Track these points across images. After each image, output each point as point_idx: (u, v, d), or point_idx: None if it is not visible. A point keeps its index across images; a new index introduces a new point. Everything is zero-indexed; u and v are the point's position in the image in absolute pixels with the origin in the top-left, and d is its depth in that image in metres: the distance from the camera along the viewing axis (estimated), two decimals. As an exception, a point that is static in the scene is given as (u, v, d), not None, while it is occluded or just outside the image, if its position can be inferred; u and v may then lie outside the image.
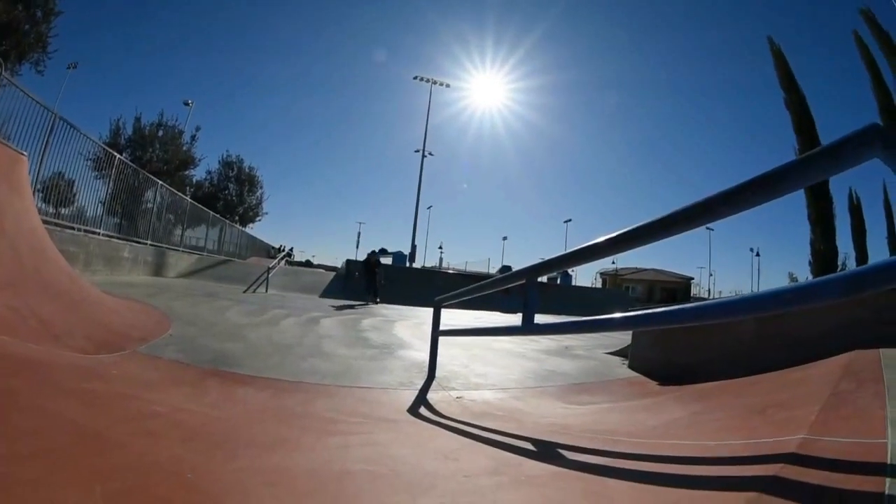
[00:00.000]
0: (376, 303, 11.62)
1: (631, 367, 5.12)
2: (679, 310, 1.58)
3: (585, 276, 78.13)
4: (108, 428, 1.48)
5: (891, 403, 1.93)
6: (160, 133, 25.49)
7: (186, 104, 29.12)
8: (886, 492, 1.17)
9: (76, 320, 3.37)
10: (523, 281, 2.37)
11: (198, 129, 28.26)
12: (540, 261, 2.57)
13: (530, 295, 2.23)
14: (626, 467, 1.54)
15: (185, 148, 26.74)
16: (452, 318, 5.96)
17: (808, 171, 1.23)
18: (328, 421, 2.35)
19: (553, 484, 1.41)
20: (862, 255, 22.31)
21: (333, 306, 9.41)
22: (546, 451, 1.85)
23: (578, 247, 2.16)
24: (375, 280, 12.49)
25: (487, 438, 2.07)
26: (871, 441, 1.47)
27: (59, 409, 1.53)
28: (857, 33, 22.53)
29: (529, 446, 1.94)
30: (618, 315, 1.86)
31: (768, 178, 1.25)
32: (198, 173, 30.16)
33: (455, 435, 2.21)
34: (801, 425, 1.84)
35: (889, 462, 1.29)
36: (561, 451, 1.83)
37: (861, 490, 1.16)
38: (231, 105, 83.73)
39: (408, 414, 2.73)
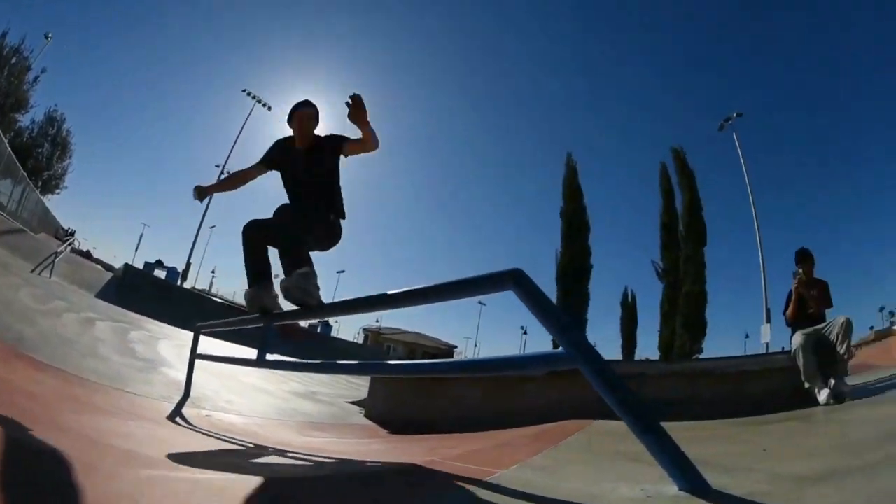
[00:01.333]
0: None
1: (367, 415, 5.71)
2: (392, 364, 2.55)
3: (350, 328, 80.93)
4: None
5: (542, 456, 2.31)
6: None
7: (46, 37, 24.75)
8: (450, 493, 1.51)
9: None
10: (262, 325, 3.11)
11: (43, 70, 25.00)
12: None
13: (268, 336, 3.08)
14: (304, 460, 2.63)
15: (25, 88, 22.64)
16: (212, 345, 5.94)
17: (461, 290, 1.57)
18: (106, 413, 2.89)
19: (252, 452, 2.67)
20: (630, 345, 26.78)
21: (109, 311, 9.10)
22: (258, 448, 2.90)
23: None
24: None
25: (223, 438, 3.00)
26: (482, 468, 1.89)
27: None
28: (664, 165, 26.62)
29: (251, 446, 2.97)
30: (340, 361, 2.76)
31: (436, 288, 1.63)
32: (25, 120, 25.45)
33: (200, 435, 3.03)
34: (443, 455, 2.44)
35: (483, 480, 1.61)
36: (270, 448, 2.80)
37: (432, 489, 1.61)
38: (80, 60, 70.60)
39: (166, 420, 3.29)
